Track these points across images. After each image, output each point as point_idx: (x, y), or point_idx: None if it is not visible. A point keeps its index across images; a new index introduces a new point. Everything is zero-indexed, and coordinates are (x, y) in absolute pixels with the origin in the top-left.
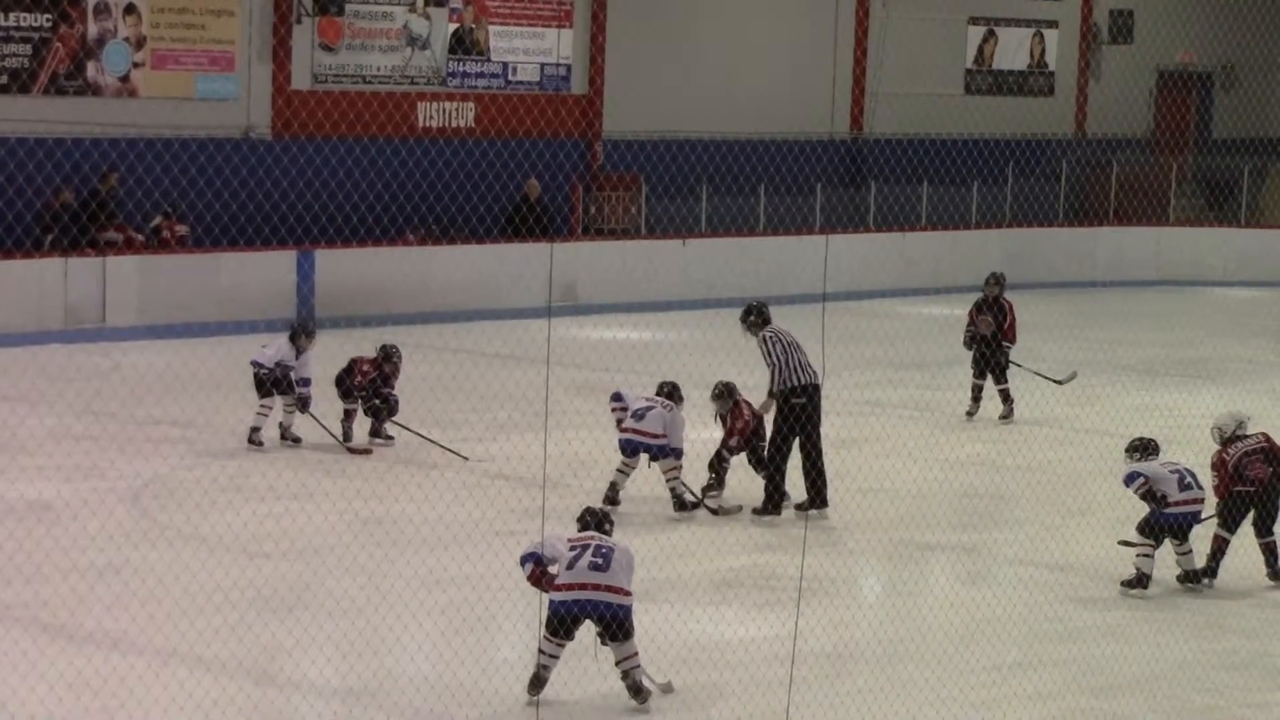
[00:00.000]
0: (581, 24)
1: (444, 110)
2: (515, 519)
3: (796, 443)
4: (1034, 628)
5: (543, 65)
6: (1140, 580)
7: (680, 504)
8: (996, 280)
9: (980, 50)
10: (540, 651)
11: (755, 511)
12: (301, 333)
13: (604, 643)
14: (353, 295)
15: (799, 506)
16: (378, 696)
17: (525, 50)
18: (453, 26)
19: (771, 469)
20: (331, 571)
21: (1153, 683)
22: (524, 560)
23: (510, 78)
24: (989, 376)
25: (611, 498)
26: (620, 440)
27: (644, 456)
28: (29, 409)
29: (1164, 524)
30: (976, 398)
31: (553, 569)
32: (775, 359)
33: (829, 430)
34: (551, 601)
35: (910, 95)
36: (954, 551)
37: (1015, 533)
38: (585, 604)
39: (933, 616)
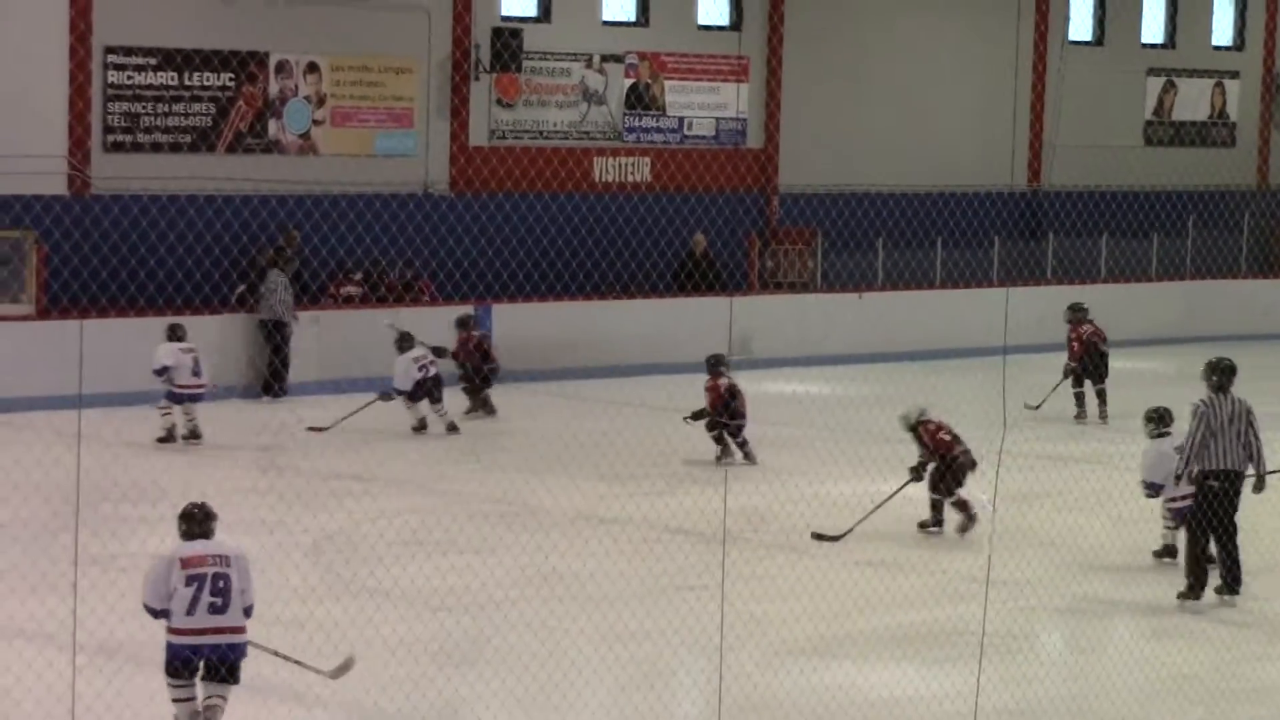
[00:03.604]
0: (757, 79)
1: (620, 165)
2: (694, 574)
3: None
4: (1219, 686)
5: (718, 120)
6: (1168, 550)
7: None
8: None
9: (1160, 101)
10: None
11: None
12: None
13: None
14: (529, 349)
15: (1217, 589)
16: None
17: (701, 105)
18: (629, 82)
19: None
20: (510, 626)
21: None
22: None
23: (686, 132)
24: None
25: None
26: None
27: None
28: (212, 463)
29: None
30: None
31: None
32: (1190, 438)
33: (1010, 485)
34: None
35: (1089, 147)
36: (1135, 607)
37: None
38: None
39: (1116, 674)
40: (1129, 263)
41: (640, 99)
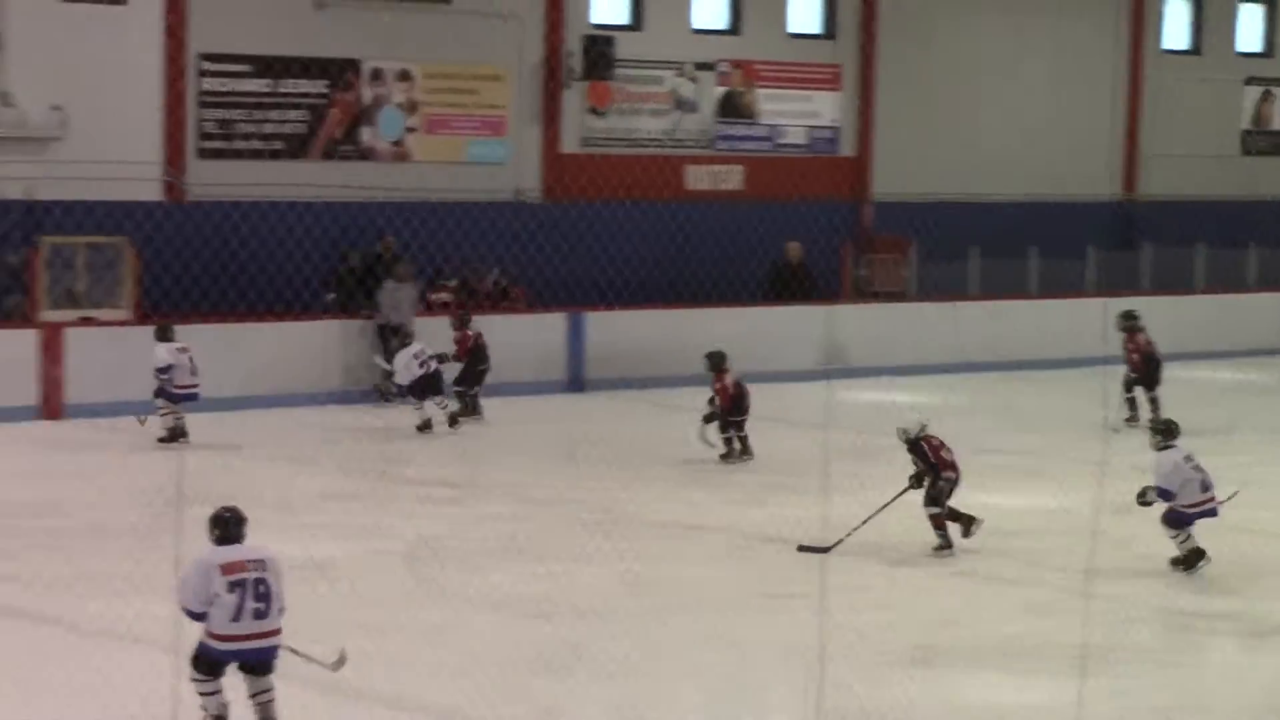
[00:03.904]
0: (850, 87)
1: (712, 173)
2: (789, 582)
3: None
4: None
5: (811, 128)
6: (1189, 558)
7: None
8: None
9: (1257, 111)
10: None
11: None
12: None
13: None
14: (622, 357)
15: None
16: None
17: (793, 113)
18: (721, 90)
19: None
20: (605, 633)
21: None
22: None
23: (778, 141)
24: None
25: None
26: None
27: None
28: (308, 469)
29: (1183, 519)
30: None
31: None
32: None
33: (1107, 496)
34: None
35: (1185, 157)
36: (1231, 619)
37: None
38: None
39: (1216, 686)
40: (1226, 272)
41: (732, 107)
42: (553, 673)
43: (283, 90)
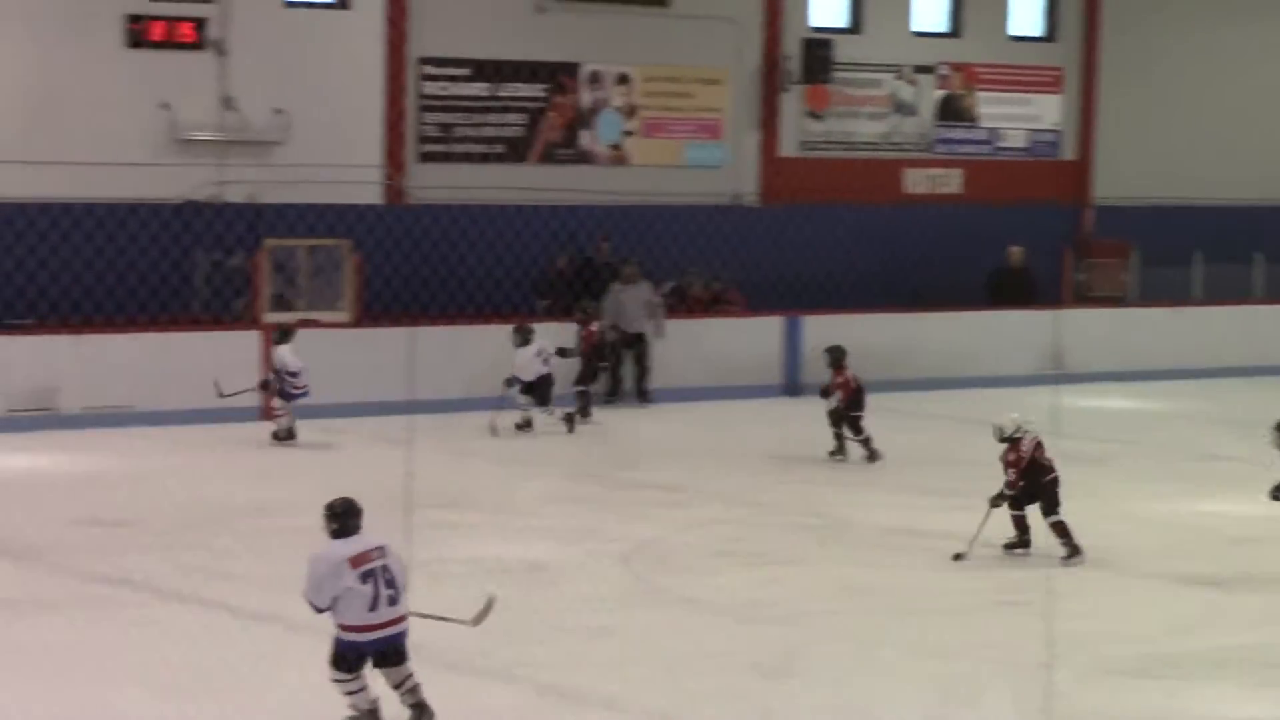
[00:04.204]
0: (1072, 90)
1: (930, 177)
2: (1009, 589)
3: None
4: None
5: (1031, 131)
6: None
7: None
8: None
9: None
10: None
11: None
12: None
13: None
14: None
15: None
16: None
17: (1014, 117)
18: (941, 93)
19: None
20: (823, 638)
21: None
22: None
23: (998, 144)
24: None
25: None
26: None
27: None
28: (527, 471)
29: None
30: None
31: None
32: None
33: None
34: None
35: None
36: None
37: None
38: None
39: None
40: None
41: (952, 110)
42: (769, 677)
43: (502, 94)
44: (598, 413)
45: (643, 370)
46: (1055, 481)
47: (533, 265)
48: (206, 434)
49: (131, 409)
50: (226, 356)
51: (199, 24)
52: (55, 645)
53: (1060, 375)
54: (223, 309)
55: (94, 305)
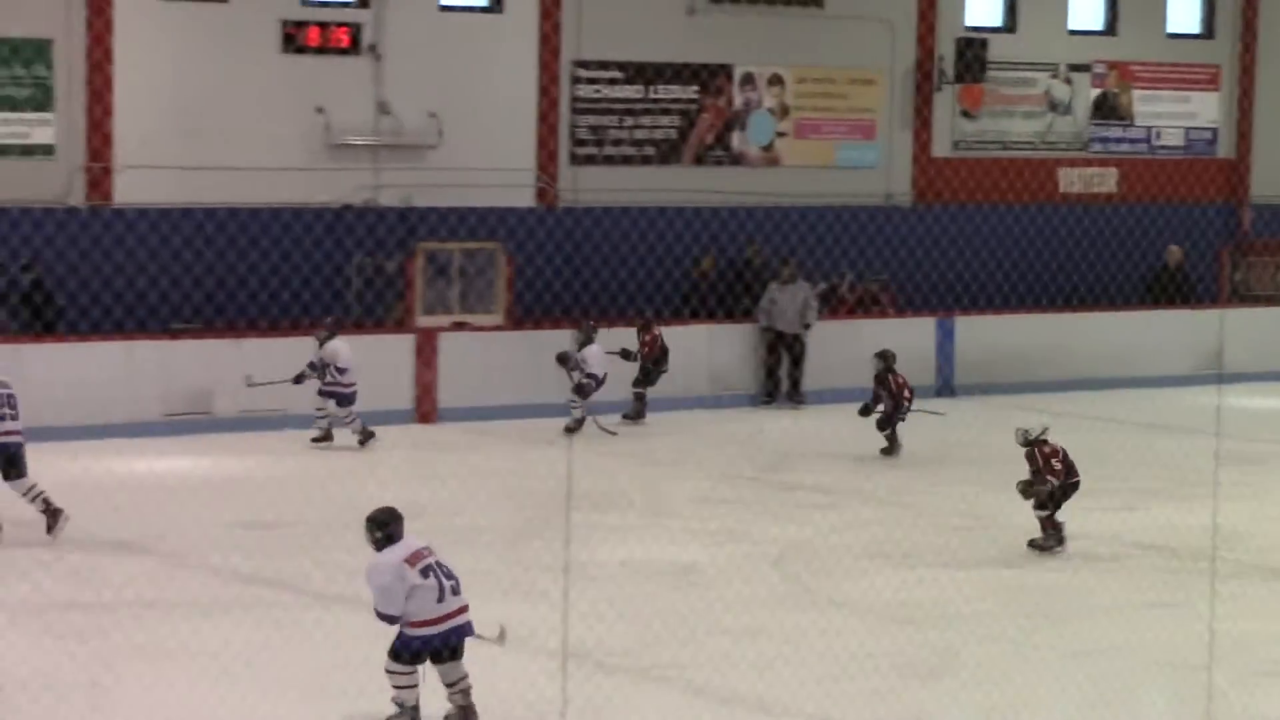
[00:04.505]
0: (1229, 87)
1: (1086, 176)
2: (1164, 590)
3: None
4: None
5: (1188, 129)
6: None
7: None
8: None
9: None
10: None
11: None
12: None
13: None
14: (992, 362)
15: None
16: None
17: (1170, 115)
18: (1096, 92)
19: None
20: (975, 639)
21: None
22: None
23: (1154, 142)
24: None
25: None
26: None
27: None
28: (676, 472)
29: None
30: None
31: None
32: None
33: None
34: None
35: None
36: None
37: None
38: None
39: None
40: None
41: (1108, 108)
42: (921, 678)
43: (654, 96)
44: (753, 414)
45: (797, 371)
46: (1076, 485)
47: (683, 267)
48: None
49: (285, 412)
50: (380, 359)
51: (354, 29)
52: (208, 647)
53: (1217, 375)
54: (377, 312)
55: (252, 310)
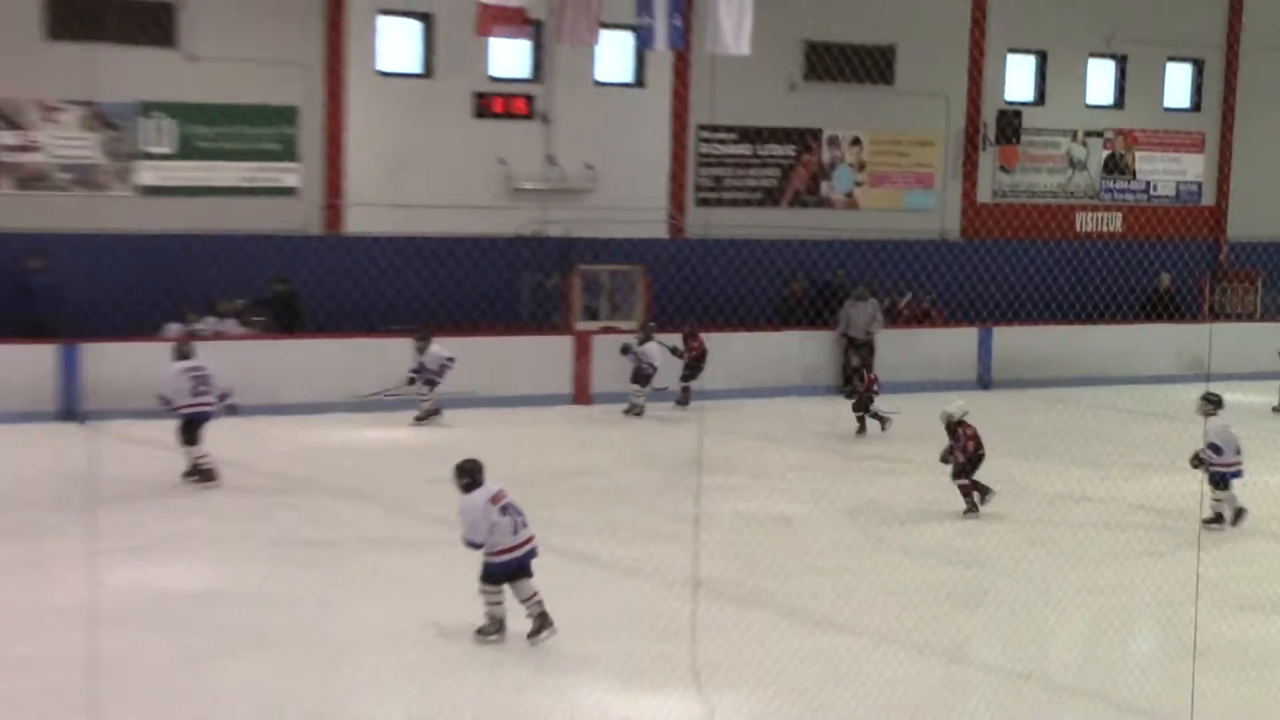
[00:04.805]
0: (1212, 150)
1: (1097, 219)
2: (1158, 542)
3: None
4: None
5: (1179, 183)
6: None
7: None
8: None
9: None
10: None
11: None
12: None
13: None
14: (1023, 363)
15: None
16: (1037, 678)
17: (1164, 171)
18: (1106, 152)
19: None
20: (1006, 577)
21: None
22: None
23: (1152, 193)
24: None
25: None
26: None
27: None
28: (777, 446)
29: (1218, 480)
30: None
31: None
32: None
33: None
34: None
35: None
36: None
37: None
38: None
39: None
40: None
41: (1115, 166)
42: (965, 607)
43: (761, 153)
44: (835, 404)
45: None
46: (982, 458)
47: (783, 287)
48: (535, 414)
49: (474, 394)
50: (546, 354)
51: (529, 99)
52: (414, 576)
53: (1200, 375)
54: (544, 319)
55: (447, 315)
